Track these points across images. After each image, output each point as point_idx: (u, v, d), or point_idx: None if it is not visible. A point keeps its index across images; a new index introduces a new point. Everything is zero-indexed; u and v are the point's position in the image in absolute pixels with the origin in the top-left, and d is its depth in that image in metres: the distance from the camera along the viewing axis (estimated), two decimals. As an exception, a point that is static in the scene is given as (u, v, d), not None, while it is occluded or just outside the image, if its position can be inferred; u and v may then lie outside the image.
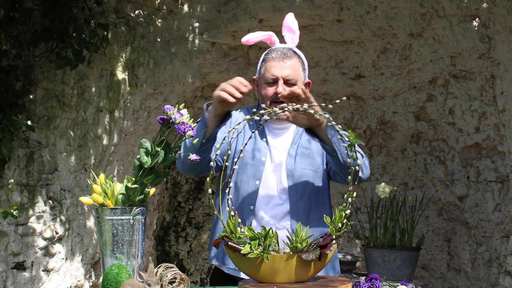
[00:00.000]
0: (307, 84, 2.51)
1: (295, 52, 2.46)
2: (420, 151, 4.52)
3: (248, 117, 1.86)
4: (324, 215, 2.02)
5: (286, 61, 2.41)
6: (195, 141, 1.93)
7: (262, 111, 1.88)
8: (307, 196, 2.44)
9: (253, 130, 2.15)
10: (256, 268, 1.82)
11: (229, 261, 2.40)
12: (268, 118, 1.89)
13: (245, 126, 2.52)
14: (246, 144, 2.06)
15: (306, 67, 2.52)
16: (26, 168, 3.53)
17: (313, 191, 2.46)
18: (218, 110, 2.26)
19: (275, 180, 2.45)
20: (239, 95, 2.20)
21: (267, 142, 2.49)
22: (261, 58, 2.50)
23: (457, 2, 3.92)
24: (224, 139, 1.94)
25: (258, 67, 2.51)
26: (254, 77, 2.54)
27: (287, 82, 2.40)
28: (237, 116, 2.54)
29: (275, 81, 2.40)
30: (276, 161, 2.46)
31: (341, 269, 4.08)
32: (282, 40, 2.53)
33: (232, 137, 2.28)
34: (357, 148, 2.26)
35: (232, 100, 2.20)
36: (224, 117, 2.31)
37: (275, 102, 2.35)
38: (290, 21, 2.51)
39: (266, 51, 2.51)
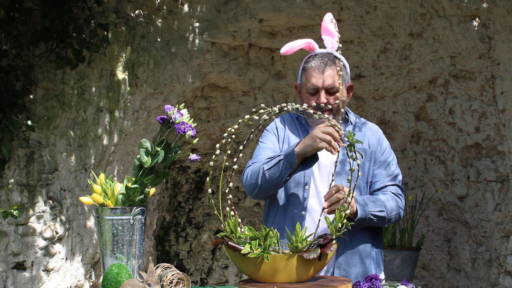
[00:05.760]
0: (350, 88, 2.47)
1: (335, 57, 2.41)
2: (420, 151, 4.51)
3: (247, 116, 1.87)
4: (324, 215, 2.02)
5: (326, 70, 2.36)
6: (195, 140, 1.93)
7: (261, 111, 1.88)
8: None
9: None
10: (256, 268, 1.82)
11: None
12: (267, 117, 1.89)
13: (285, 123, 2.50)
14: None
15: (348, 71, 2.47)
16: (26, 168, 3.52)
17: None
18: (310, 153, 2.22)
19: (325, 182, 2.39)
20: (338, 148, 2.15)
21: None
22: (302, 65, 2.46)
23: (457, 2, 3.92)
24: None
25: (299, 74, 2.47)
26: (296, 83, 2.50)
27: (329, 91, 2.37)
28: (286, 118, 2.53)
29: (316, 91, 2.37)
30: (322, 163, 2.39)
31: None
32: (321, 44, 2.46)
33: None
34: (399, 192, 2.35)
35: (335, 153, 2.15)
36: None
37: (319, 111, 2.31)
38: (328, 23, 2.44)
39: (306, 58, 2.46)
